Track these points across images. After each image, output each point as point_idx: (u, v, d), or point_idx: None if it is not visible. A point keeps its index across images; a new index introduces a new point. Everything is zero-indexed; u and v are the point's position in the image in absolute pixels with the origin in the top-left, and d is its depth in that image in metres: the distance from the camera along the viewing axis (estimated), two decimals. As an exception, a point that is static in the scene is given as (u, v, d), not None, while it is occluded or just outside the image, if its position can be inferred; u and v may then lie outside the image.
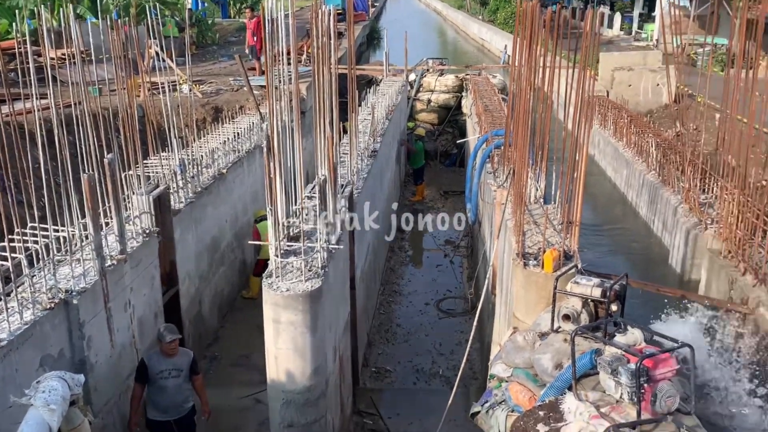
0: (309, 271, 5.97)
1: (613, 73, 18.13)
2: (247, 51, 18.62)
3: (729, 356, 6.68)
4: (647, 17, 34.47)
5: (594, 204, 14.10)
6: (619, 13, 37.15)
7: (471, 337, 7.43)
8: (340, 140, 9.16)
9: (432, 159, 21.11)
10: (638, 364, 3.99)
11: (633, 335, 4.67)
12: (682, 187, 10.08)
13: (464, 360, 7.11)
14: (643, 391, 4.07)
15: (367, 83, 21.57)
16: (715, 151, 10.16)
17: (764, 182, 8.32)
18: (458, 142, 19.05)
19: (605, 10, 38.77)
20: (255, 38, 17.50)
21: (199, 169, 9.11)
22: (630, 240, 11.83)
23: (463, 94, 21.93)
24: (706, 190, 9.82)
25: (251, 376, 8.35)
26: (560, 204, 7.29)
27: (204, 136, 10.71)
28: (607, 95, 18.01)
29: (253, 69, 17.47)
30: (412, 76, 23.29)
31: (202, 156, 9.41)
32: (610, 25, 36.71)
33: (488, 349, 8.11)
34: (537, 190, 8.26)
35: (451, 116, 22.42)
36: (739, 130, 8.12)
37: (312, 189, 7.05)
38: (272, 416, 6.19)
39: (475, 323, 7.33)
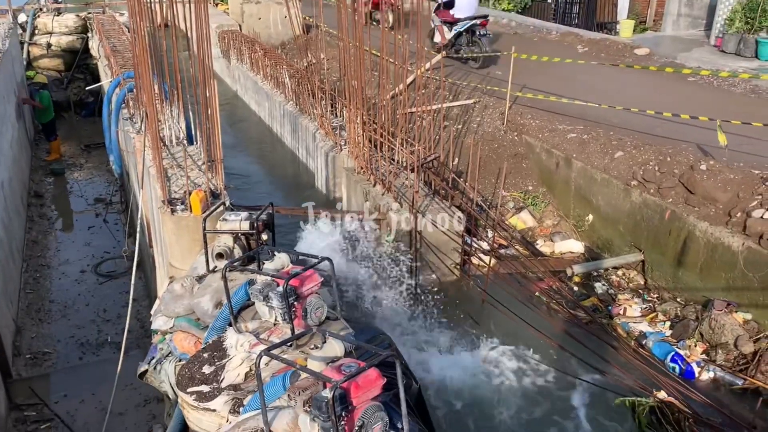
0: None
1: (243, 6, 18.22)
2: None
3: (369, 257, 7.59)
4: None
5: (243, 138, 14.34)
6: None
7: (131, 295, 7.04)
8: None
9: (65, 110, 18.95)
10: (285, 286, 4.23)
11: (280, 260, 4.93)
12: (317, 114, 10.83)
13: (128, 320, 6.74)
14: (294, 309, 4.35)
15: (-38, 27, 17.96)
16: (341, 77, 11.07)
17: (383, 102, 9.34)
18: (89, 88, 17.33)
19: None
20: None
21: None
22: (280, 169, 12.40)
23: (90, 34, 19.89)
24: (337, 114, 10.71)
25: None
26: (202, 143, 7.19)
27: None
28: (240, 29, 18.12)
29: None
30: (22, 17, 20.22)
31: None
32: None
33: (156, 302, 7.82)
34: (178, 131, 8.00)
35: (80, 60, 20.25)
36: (356, 56, 8.90)
37: None
38: None
39: (133, 280, 6.95)
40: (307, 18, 16.68)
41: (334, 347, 3.86)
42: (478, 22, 13.12)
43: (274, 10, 18.02)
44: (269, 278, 4.55)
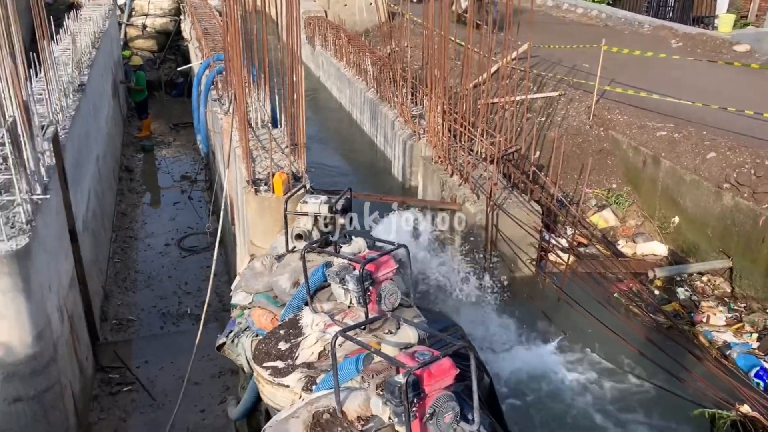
0: (11, 228, 5.24)
1: (329, -7, 18.46)
2: None
3: (443, 247, 7.56)
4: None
5: (324, 124, 14.54)
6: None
7: (213, 270, 7.31)
8: (35, 74, 8.03)
9: (156, 90, 19.74)
10: (361, 270, 4.27)
11: (357, 244, 4.98)
12: (397, 102, 10.84)
13: (208, 294, 6.99)
14: (368, 293, 4.39)
15: (68, 8, 19.06)
16: (423, 65, 11.04)
17: (465, 91, 9.25)
18: (180, 69, 17.99)
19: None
20: None
21: None
22: (357, 155, 12.51)
23: (182, 17, 20.63)
24: (417, 102, 10.69)
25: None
26: (286, 127, 7.34)
27: None
28: (326, 15, 18.34)
29: None
30: (121, -1, 21.17)
31: None
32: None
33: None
34: (263, 114, 8.20)
35: (172, 42, 21.03)
36: (440, 44, 8.85)
37: (2, 135, 6.09)
38: (-7, 394, 5.49)
39: (215, 255, 7.20)
40: (392, 5, 16.70)
41: (408, 334, 3.87)
42: None
43: (360, -3, 18.16)
44: (346, 261, 4.61)
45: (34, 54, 7.95)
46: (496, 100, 9.82)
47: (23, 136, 5.65)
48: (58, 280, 6.16)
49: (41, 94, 7.76)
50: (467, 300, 7.26)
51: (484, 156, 8.55)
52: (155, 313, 9.07)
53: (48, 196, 5.87)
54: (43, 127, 6.86)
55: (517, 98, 9.21)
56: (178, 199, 12.87)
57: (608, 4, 20.31)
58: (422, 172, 9.35)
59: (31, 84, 7.32)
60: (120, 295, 9.42)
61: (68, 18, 13.06)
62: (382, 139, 11.78)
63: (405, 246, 4.58)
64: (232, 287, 6.11)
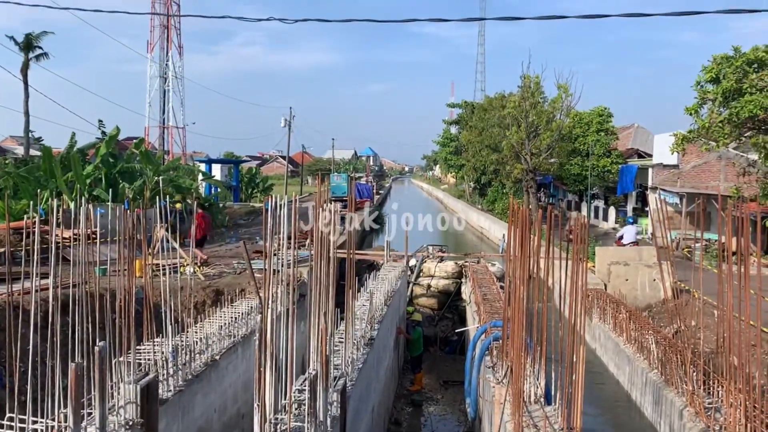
0: (293, 475, 5.60)
1: (610, 267, 18.44)
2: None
3: None
4: (641, 211, 35.89)
5: (597, 402, 13.59)
6: (614, 207, 38.77)
7: None
8: (336, 328, 9.11)
9: (431, 345, 20.83)
10: None
11: None
12: (686, 389, 9.77)
13: None
14: None
15: (368, 267, 22.00)
16: (716, 349, 10.01)
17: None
18: (458, 331, 18.91)
19: (600, 203, 40.53)
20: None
21: (192, 355, 8.94)
22: (637, 444, 11.22)
23: (463, 280, 22.23)
24: (711, 392, 9.49)
25: None
26: (560, 406, 7.03)
27: (201, 320, 10.65)
28: (605, 288, 18.17)
29: (259, 252, 17.95)
30: (412, 261, 23.80)
31: (196, 341, 9.29)
32: (606, 218, 38.14)
33: None
34: (537, 388, 8.01)
35: (450, 302, 22.53)
36: (738, 329, 8.05)
37: (302, 382, 6.85)
38: None
39: None
40: (679, 282, 15.97)
41: None
42: None
43: (643, 273, 17.82)
44: None
45: (338, 309, 9.12)
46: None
47: (320, 388, 6.28)
48: None
49: (338, 347, 8.72)
50: None
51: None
52: None
53: (329, 448, 6.26)
54: (335, 378, 7.57)
55: None
56: (439, 462, 12.66)
57: None
58: (719, 478, 7.95)
59: (333, 338, 8.30)
60: None
61: (368, 276, 14.97)
62: (666, 429, 10.50)
63: None
64: None
